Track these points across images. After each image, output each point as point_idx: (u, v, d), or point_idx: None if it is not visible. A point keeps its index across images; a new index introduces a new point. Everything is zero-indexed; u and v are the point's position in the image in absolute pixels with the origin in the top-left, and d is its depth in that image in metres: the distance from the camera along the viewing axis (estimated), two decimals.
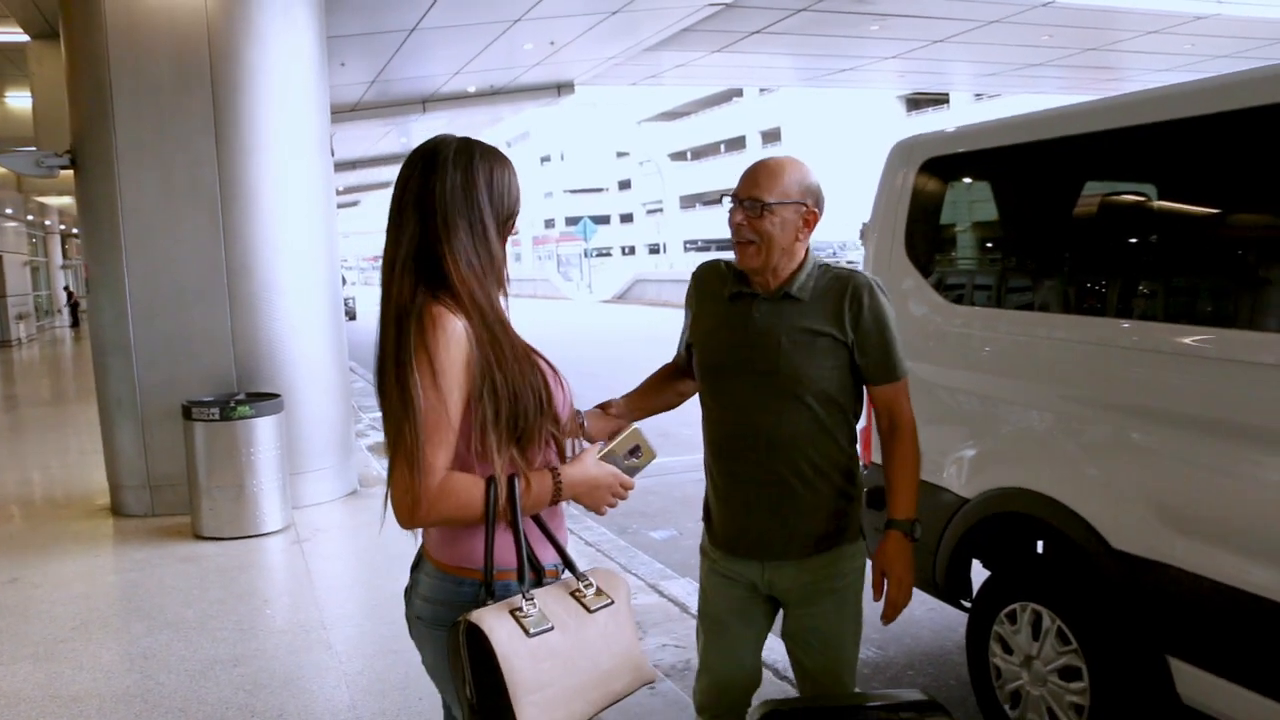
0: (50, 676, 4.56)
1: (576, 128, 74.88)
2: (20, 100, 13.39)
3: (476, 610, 1.81)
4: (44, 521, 7.58)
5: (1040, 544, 3.71)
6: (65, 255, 39.40)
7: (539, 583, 1.93)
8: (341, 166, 23.92)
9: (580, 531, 6.98)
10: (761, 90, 56.03)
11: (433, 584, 1.99)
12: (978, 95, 40.77)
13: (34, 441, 11.91)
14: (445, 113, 16.99)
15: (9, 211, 28.91)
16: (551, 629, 1.83)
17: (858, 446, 2.69)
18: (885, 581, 2.60)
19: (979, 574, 3.80)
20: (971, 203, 4.13)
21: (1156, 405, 2.97)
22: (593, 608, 1.92)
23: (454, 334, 1.83)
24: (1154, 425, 2.98)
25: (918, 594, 4.11)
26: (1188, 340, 2.91)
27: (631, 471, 2.07)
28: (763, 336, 2.52)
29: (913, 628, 4.89)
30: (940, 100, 44.74)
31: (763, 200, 2.45)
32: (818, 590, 2.61)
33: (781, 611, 2.72)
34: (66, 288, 39.03)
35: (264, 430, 6.78)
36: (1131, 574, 2.98)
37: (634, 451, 2.08)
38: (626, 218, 76.96)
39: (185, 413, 6.74)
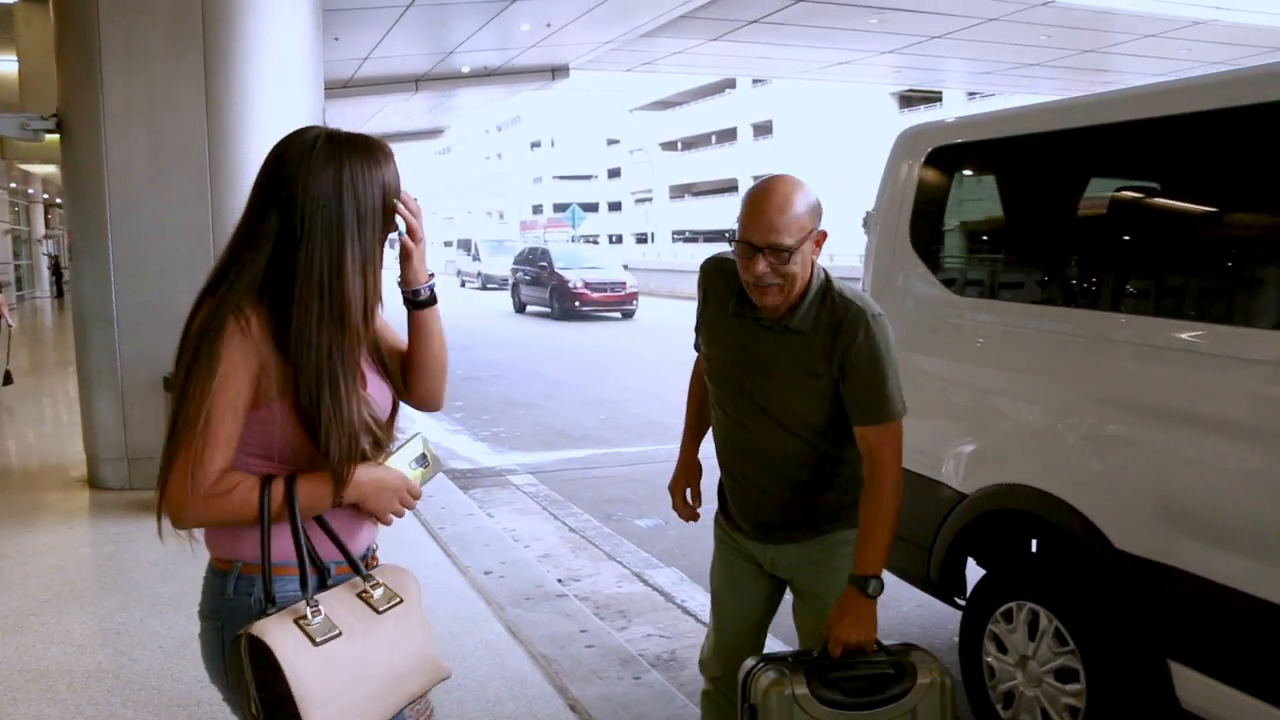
0: (19, 650, 4.44)
1: (568, 114, 74.64)
2: (7, 64, 13.18)
3: (259, 621, 1.72)
4: (18, 492, 7.45)
5: (1038, 542, 3.64)
6: (48, 225, 39.02)
7: (322, 583, 1.85)
8: None
9: (564, 518, 6.91)
10: (755, 82, 55.88)
11: (205, 577, 1.93)
12: (971, 94, 40.83)
13: (11, 411, 11.76)
14: (438, 93, 16.86)
15: None
16: (339, 635, 1.74)
17: None
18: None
19: (973, 571, 3.74)
20: (977, 194, 4.05)
21: (1164, 403, 2.91)
22: (381, 608, 1.84)
23: (244, 343, 1.74)
24: (1161, 423, 2.92)
25: (908, 589, 4.07)
26: (1197, 337, 2.84)
27: (421, 481, 1.97)
28: (760, 366, 2.49)
29: (901, 624, 4.83)
30: (933, 98, 44.74)
31: (788, 247, 2.32)
32: (820, 569, 2.62)
33: (790, 592, 2.77)
34: (52, 255, 38.63)
35: None
36: (1134, 575, 2.91)
37: (420, 460, 1.99)
38: (615, 206, 76.79)
39: (166, 385, 6.62)
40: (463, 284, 44.53)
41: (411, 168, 64.59)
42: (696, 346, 2.73)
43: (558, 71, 17.13)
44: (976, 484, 3.54)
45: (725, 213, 50.23)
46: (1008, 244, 3.90)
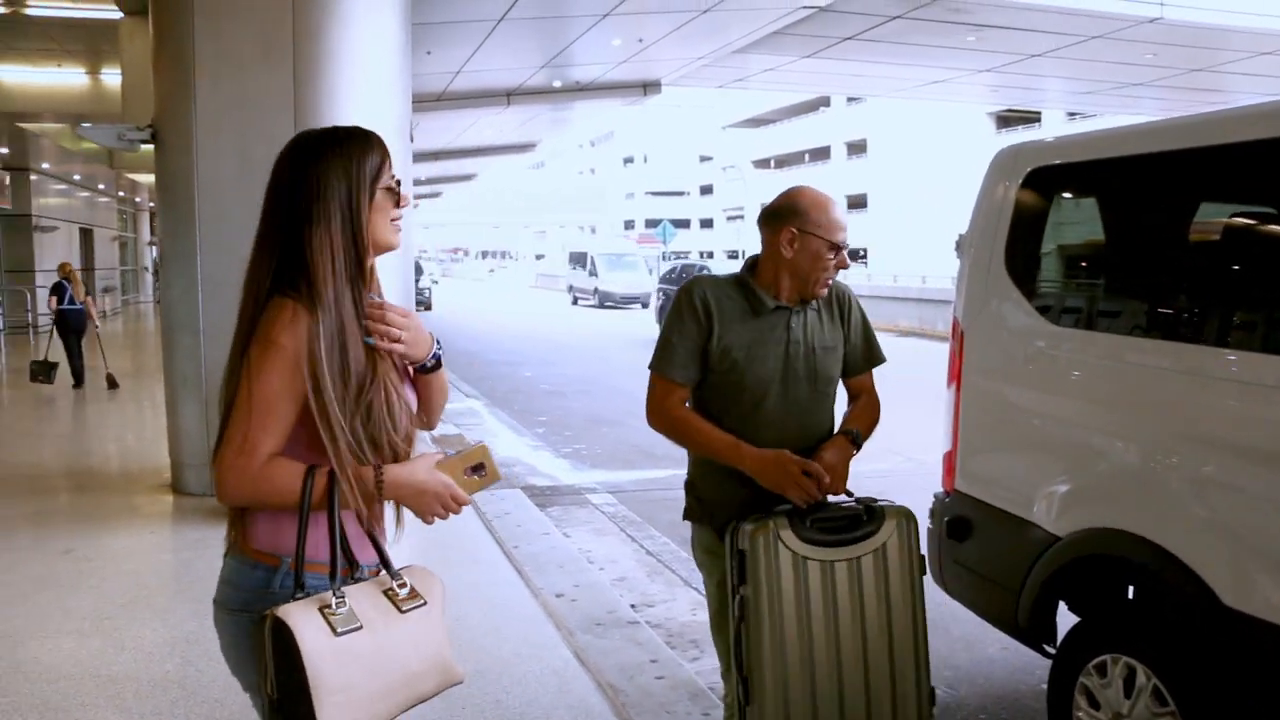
0: (92, 654, 4.46)
1: (661, 130, 74.75)
2: (114, 77, 13.56)
3: (285, 605, 1.78)
4: (105, 494, 7.57)
5: (1136, 590, 3.41)
6: (152, 232, 40.27)
7: (352, 579, 1.91)
8: (423, 157, 24.06)
9: (642, 540, 6.78)
10: (849, 100, 55.34)
11: (233, 566, 1.99)
12: (1071, 114, 39.85)
13: (109, 414, 12.05)
14: (529, 107, 16.94)
15: (101, 187, 29.63)
16: (360, 628, 1.81)
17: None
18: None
19: (1065, 617, 3.52)
20: (1077, 217, 3.83)
21: (1278, 448, 2.68)
22: (405, 608, 1.90)
23: (295, 327, 1.85)
24: (1274, 470, 2.68)
25: (993, 631, 3.86)
26: None
27: (471, 489, 2.01)
28: (802, 346, 2.84)
29: (986, 666, 4.60)
30: (1032, 118, 43.79)
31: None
32: None
33: None
34: (156, 261, 39.84)
35: None
36: (1244, 637, 2.68)
37: (477, 469, 2.02)
38: (706, 223, 76.70)
39: None
40: (575, 300, 42.19)
41: (501, 182, 65.20)
42: (675, 376, 2.83)
43: (649, 87, 17.08)
44: (1070, 526, 3.32)
45: None
46: (1109, 271, 3.67)
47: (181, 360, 7.38)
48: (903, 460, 8.69)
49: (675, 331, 2.80)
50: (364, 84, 7.30)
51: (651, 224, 65.41)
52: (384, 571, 1.94)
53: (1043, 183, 3.68)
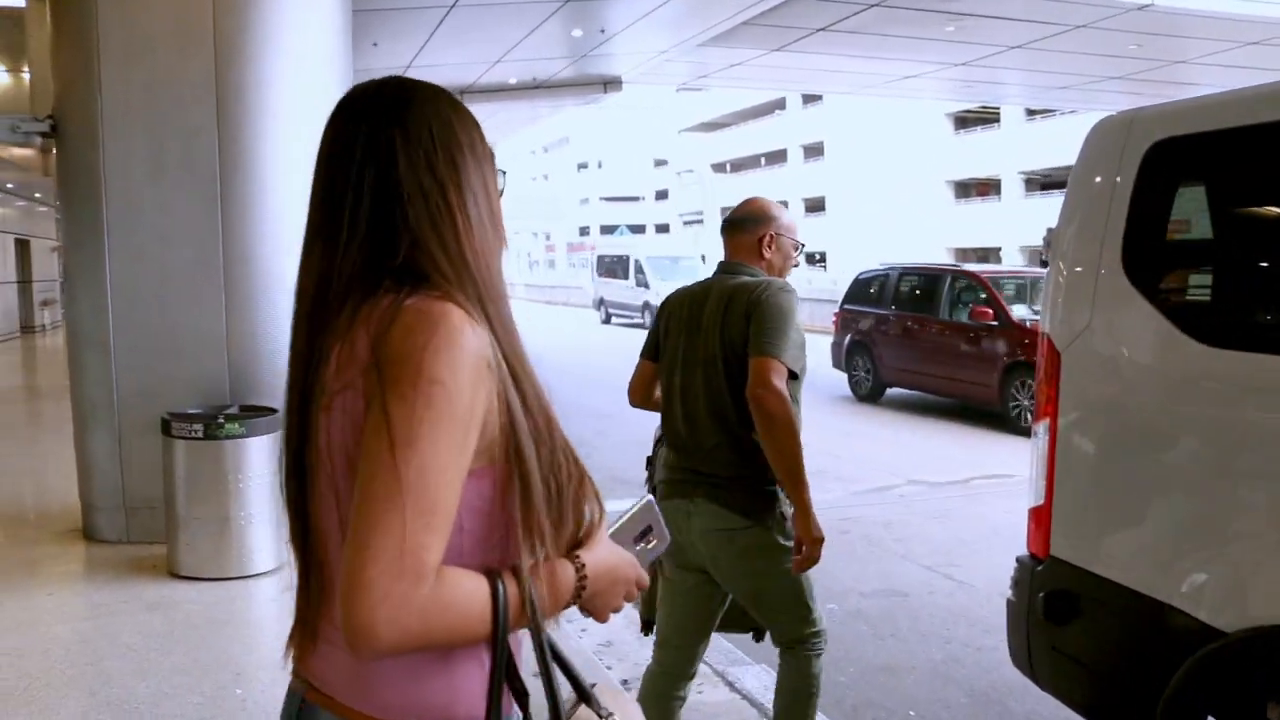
0: None
1: (615, 135, 74.09)
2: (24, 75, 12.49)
3: None
4: (7, 545, 6.55)
5: None
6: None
7: None
8: None
9: None
10: (806, 102, 54.89)
11: None
12: (1031, 113, 39.42)
13: (41, 439, 10.96)
14: (485, 104, 15.98)
15: (38, 195, 28.30)
16: None
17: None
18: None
19: None
20: (1231, 203, 2.99)
21: None
22: None
23: (470, 349, 1.21)
24: None
25: None
26: None
27: (643, 563, 1.47)
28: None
29: None
30: (990, 118, 43.36)
31: None
32: None
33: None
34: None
35: (257, 452, 5.71)
36: None
37: (644, 534, 1.50)
38: (663, 228, 75.91)
39: (164, 427, 5.70)
40: (608, 318, 33.75)
41: None
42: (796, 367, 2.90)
43: (610, 84, 16.18)
44: (1236, 619, 2.49)
45: None
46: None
47: (90, 386, 6.41)
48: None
49: (794, 326, 2.91)
50: (298, 70, 6.37)
51: (607, 230, 64.69)
52: (582, 707, 1.41)
53: (1174, 159, 2.85)
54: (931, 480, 9.18)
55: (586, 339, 26.70)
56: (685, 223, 71.57)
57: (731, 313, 2.97)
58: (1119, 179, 2.92)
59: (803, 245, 3.25)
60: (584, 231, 79.90)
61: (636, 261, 32.53)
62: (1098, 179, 3.01)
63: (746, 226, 3.18)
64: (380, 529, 1.14)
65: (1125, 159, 2.92)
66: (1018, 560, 3.20)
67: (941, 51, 15.52)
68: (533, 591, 1.25)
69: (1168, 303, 2.88)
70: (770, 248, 3.15)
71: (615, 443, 11.00)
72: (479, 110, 13.72)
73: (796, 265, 3.24)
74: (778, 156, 61.90)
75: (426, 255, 1.27)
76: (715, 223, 60.35)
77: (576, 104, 17.99)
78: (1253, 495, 2.57)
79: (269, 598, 5.44)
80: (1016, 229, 39.49)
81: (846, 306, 15.10)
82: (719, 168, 68.03)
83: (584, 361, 20.13)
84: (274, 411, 5.87)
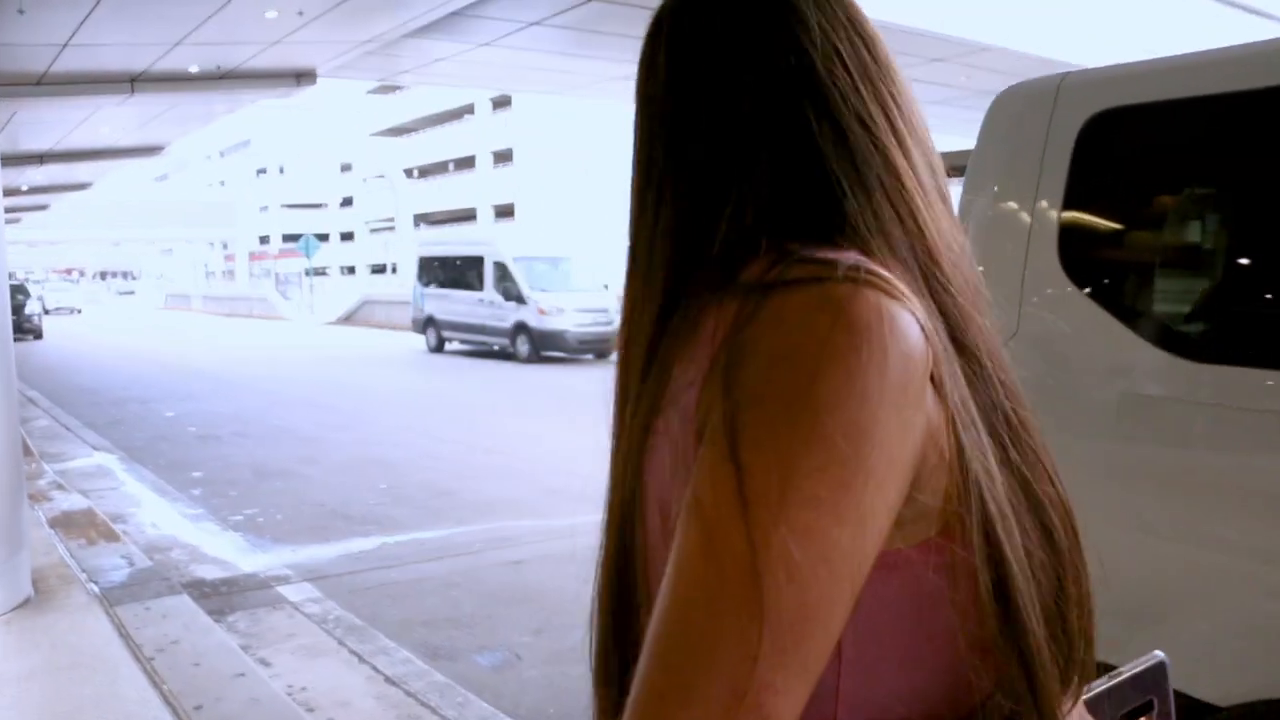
0: None
1: (299, 139, 70.93)
2: None
3: None
4: None
5: None
6: None
7: None
8: (23, 159, 20.35)
9: (373, 658, 4.93)
10: (495, 108, 54.62)
11: None
12: None
13: None
14: (159, 95, 14.23)
15: None
16: None
17: None
18: None
19: None
20: (1195, 183, 2.50)
21: None
22: None
23: (880, 372, 0.65)
24: None
25: None
26: None
27: None
28: None
29: None
30: None
31: None
32: None
33: None
34: None
35: None
36: None
37: (1137, 713, 0.96)
38: (348, 236, 73.45)
39: None
40: (441, 344, 25.45)
41: (121, 194, 59.79)
42: None
43: (303, 76, 14.81)
44: (1232, 692, 2.01)
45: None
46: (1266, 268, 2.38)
47: None
48: None
49: None
50: None
51: (290, 238, 61.97)
52: None
53: (1119, 132, 2.33)
54: None
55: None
56: (372, 230, 69.68)
57: None
58: (1053, 156, 2.37)
59: None
60: (264, 240, 76.55)
61: (499, 265, 23.45)
62: (1016, 163, 2.46)
63: None
64: (704, 652, 0.63)
65: (1057, 131, 2.38)
66: None
67: None
68: None
69: (1111, 302, 2.36)
70: None
71: (325, 470, 9.90)
72: (150, 104, 12.07)
73: None
74: (467, 162, 61.30)
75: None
76: (407, 229, 59.00)
77: (265, 98, 16.49)
78: (1235, 543, 2.08)
79: None
80: None
81: None
82: (408, 173, 66.62)
83: (279, 375, 18.57)
84: None
